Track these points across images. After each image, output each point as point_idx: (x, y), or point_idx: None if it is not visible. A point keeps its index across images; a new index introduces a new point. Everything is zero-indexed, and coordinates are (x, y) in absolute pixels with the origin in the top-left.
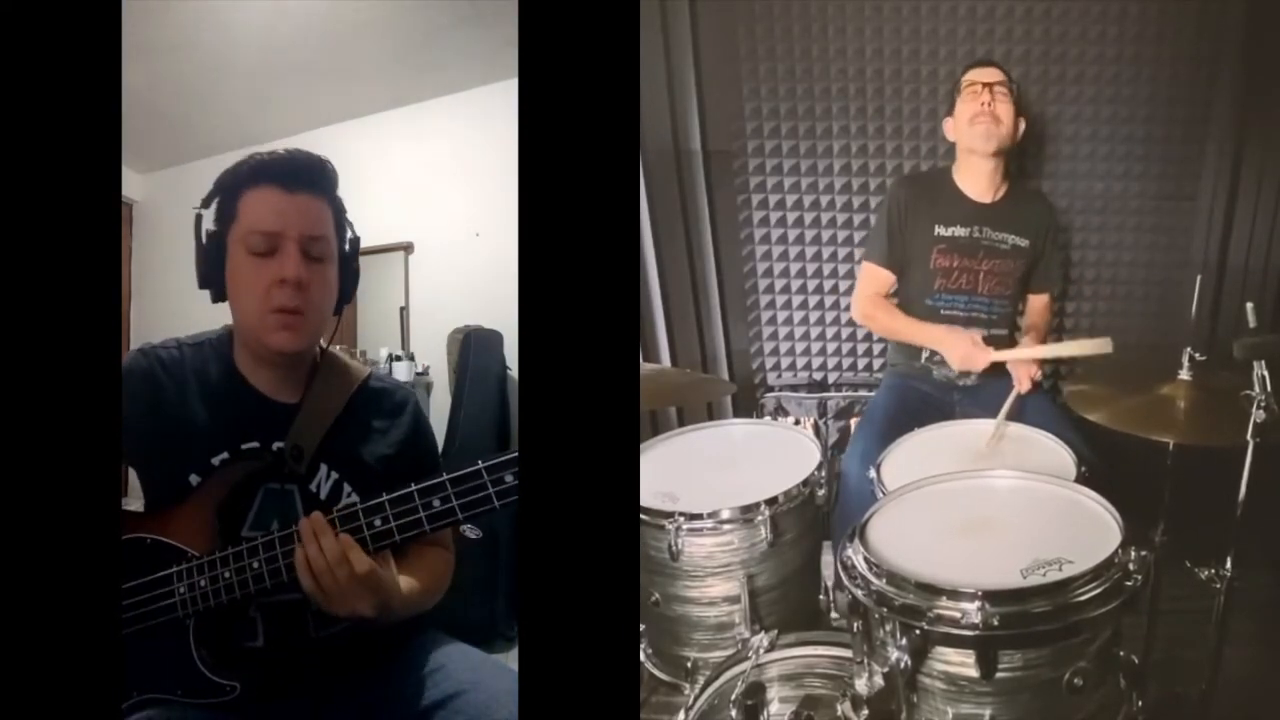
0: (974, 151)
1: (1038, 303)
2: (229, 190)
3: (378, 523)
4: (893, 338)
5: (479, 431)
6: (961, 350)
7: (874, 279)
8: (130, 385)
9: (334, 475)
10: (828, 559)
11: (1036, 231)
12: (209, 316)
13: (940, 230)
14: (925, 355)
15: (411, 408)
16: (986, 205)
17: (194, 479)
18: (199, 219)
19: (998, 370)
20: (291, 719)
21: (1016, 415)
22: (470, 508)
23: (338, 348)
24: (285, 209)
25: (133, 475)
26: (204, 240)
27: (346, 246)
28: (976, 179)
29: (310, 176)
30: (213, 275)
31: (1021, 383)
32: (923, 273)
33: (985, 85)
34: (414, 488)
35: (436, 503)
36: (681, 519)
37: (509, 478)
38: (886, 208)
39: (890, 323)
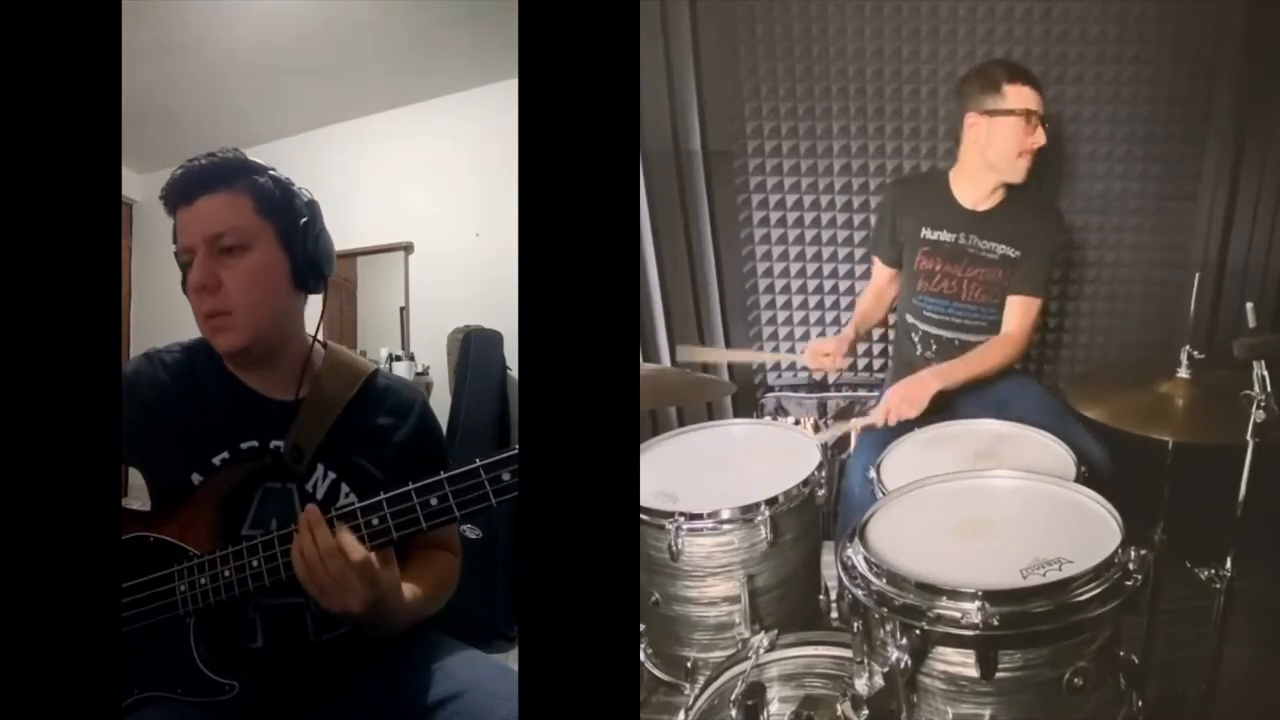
0: (999, 173)
1: (1013, 303)
2: (173, 222)
3: (375, 521)
4: None
5: (479, 432)
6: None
7: (877, 271)
8: (135, 390)
9: (331, 474)
10: (828, 559)
11: (1029, 242)
12: None
13: (926, 233)
14: (919, 352)
15: (419, 409)
16: (979, 213)
17: (196, 479)
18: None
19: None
20: (292, 718)
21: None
22: (467, 506)
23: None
24: (187, 223)
25: (134, 475)
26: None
27: (295, 221)
28: (976, 188)
29: (202, 181)
30: None
31: (879, 414)
32: (910, 272)
33: (1035, 117)
34: (411, 486)
35: (434, 501)
36: (681, 519)
37: (506, 476)
38: (882, 207)
39: (858, 306)
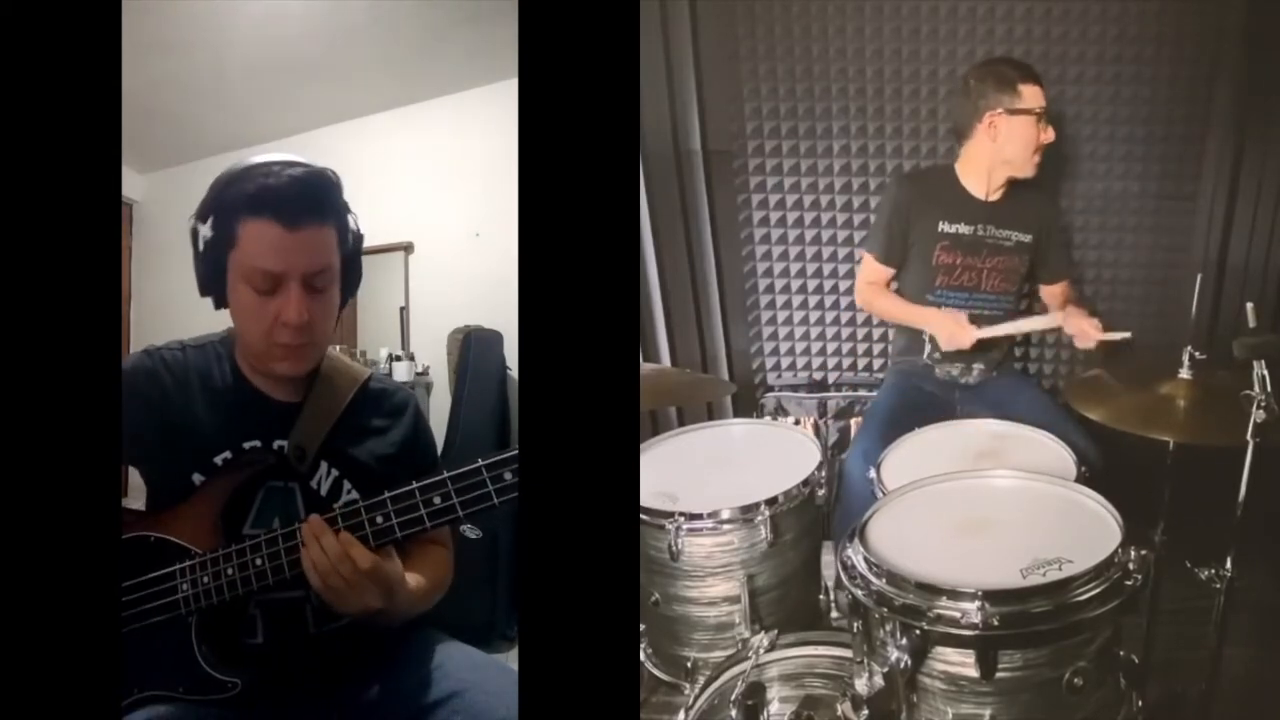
0: (1014, 169)
1: (1055, 291)
2: (227, 210)
3: (379, 520)
4: (888, 319)
5: (479, 432)
6: (947, 330)
7: (871, 270)
8: (134, 386)
9: (334, 473)
10: (828, 559)
11: (1038, 226)
12: (209, 317)
13: (945, 227)
14: (927, 352)
15: (412, 409)
16: (990, 203)
17: (197, 478)
18: (195, 230)
19: (1000, 369)
20: (292, 717)
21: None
22: (470, 505)
23: (338, 348)
24: (287, 248)
25: (134, 475)
26: (201, 250)
27: (350, 246)
28: (986, 181)
29: (313, 206)
30: (212, 285)
31: (1085, 336)
32: (925, 268)
33: (1045, 115)
34: (415, 485)
35: (437, 500)
36: (681, 519)
37: (508, 475)
38: (887, 203)
39: (885, 305)
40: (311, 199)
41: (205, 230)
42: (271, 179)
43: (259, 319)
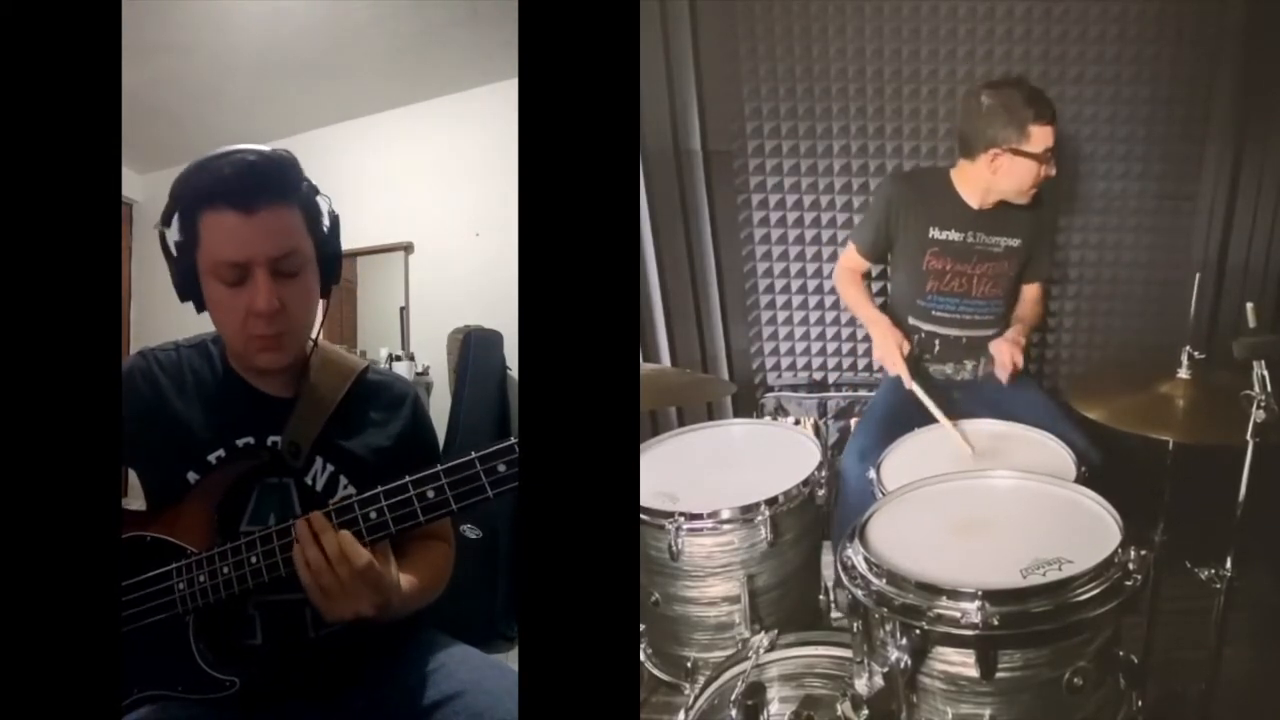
0: (1007, 197)
1: (1029, 293)
2: (186, 207)
3: (373, 515)
4: (849, 309)
5: (479, 431)
6: (881, 348)
7: (851, 258)
8: (129, 387)
9: (329, 468)
10: (828, 559)
11: (1028, 230)
12: (208, 317)
13: (935, 233)
14: (919, 355)
15: (411, 401)
16: (981, 211)
17: (192, 477)
18: (163, 235)
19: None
20: (292, 718)
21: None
22: (464, 498)
23: (340, 347)
24: (247, 235)
25: (133, 475)
26: (174, 254)
27: (325, 230)
28: (979, 194)
29: (267, 187)
30: (189, 288)
31: (1004, 369)
32: (916, 273)
33: (1051, 154)
34: (408, 479)
35: (430, 494)
36: (681, 519)
37: (502, 468)
38: (879, 200)
39: (850, 295)
40: (264, 180)
41: (172, 234)
42: (224, 167)
43: (232, 313)
